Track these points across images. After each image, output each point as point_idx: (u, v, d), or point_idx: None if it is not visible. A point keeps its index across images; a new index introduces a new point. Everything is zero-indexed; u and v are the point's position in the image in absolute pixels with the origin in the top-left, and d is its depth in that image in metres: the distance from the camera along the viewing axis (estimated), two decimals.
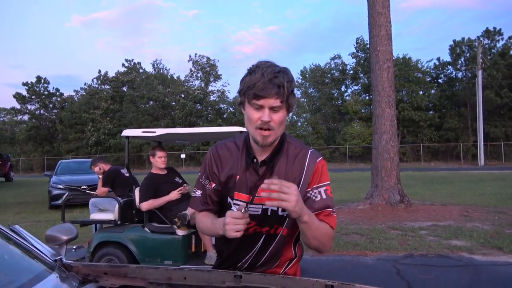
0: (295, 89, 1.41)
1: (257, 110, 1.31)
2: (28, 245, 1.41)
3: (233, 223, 1.24)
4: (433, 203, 9.25)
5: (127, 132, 4.53)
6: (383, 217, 7.71)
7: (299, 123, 38.57)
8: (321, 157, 1.45)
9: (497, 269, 4.64)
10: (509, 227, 6.61)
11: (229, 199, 1.46)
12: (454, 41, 34.93)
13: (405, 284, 4.15)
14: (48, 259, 1.39)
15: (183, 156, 29.79)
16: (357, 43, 37.65)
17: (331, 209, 1.40)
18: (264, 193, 1.20)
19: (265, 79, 1.27)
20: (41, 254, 1.41)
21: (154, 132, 4.36)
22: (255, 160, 1.42)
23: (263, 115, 1.30)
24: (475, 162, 29.14)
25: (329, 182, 1.45)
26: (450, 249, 5.45)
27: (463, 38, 34.37)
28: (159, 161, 4.29)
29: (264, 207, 1.40)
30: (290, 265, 1.53)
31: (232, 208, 1.32)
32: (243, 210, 1.26)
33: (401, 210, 8.19)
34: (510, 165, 27.09)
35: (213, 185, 1.48)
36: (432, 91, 34.73)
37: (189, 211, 3.99)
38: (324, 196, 1.40)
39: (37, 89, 42.78)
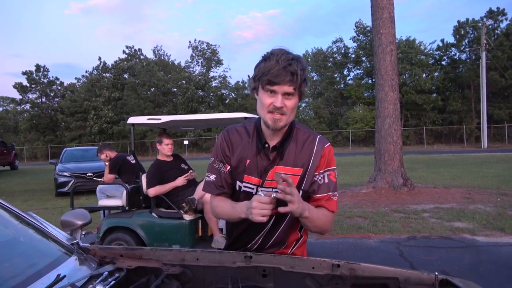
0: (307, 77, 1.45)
1: (270, 96, 1.36)
2: (47, 229, 1.47)
3: (260, 208, 1.28)
4: (436, 186, 9.31)
5: (132, 119, 4.57)
6: (386, 200, 7.78)
7: (301, 108, 38.43)
8: (329, 143, 1.51)
9: (499, 249, 4.71)
10: (511, 209, 6.68)
11: (238, 183, 1.51)
12: (458, 22, 34.48)
13: (408, 265, 4.23)
14: (66, 243, 1.45)
15: (186, 142, 29.91)
16: (356, 27, 37.33)
17: (331, 193, 1.46)
18: (281, 195, 1.27)
19: (280, 66, 1.31)
20: (58, 238, 1.47)
21: (160, 119, 4.40)
22: (266, 145, 1.47)
23: (275, 100, 1.34)
24: (478, 144, 29.11)
25: (335, 167, 1.51)
26: (452, 231, 5.53)
27: (467, 19, 33.90)
28: (166, 148, 4.34)
29: (274, 190, 1.45)
30: (297, 245, 1.59)
31: (258, 193, 1.35)
32: (272, 196, 1.29)
33: (404, 193, 8.26)
34: None
35: (228, 167, 1.52)
36: (436, 74, 34.44)
37: (197, 195, 4.06)
38: (328, 181, 1.47)
39: (37, 78, 42.70)
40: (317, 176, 1.46)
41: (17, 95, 43.32)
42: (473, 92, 32.44)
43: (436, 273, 1.24)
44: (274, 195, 1.29)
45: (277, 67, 1.31)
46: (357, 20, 37.41)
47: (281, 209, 1.29)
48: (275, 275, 1.35)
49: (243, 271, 1.36)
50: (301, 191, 1.46)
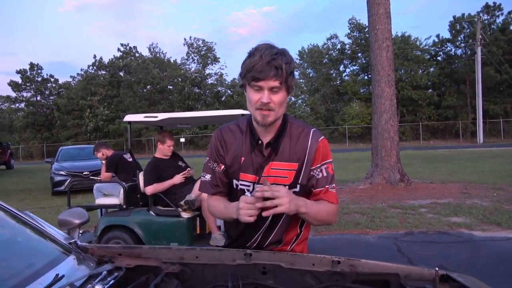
0: (295, 70, 1.42)
1: (257, 92, 1.35)
2: (44, 228, 1.45)
3: (247, 208, 1.28)
4: (432, 181, 9.35)
5: (129, 117, 4.54)
6: (383, 196, 7.81)
7: (297, 104, 38.48)
8: (323, 136, 1.49)
9: (496, 244, 4.74)
10: (508, 203, 6.71)
11: (234, 181, 1.50)
12: (453, 17, 34.54)
13: (406, 261, 4.25)
14: (64, 242, 1.44)
15: (182, 140, 29.80)
16: (350, 23, 37.35)
17: (328, 186, 1.46)
18: (259, 204, 1.27)
19: (263, 61, 1.29)
20: (56, 237, 1.45)
21: (156, 117, 4.37)
22: (260, 141, 1.45)
23: (262, 96, 1.33)
24: (474, 139, 29.24)
25: (331, 160, 1.50)
26: (449, 226, 5.55)
27: (463, 14, 33.96)
28: (168, 149, 4.34)
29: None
30: (296, 242, 1.57)
31: (246, 194, 1.35)
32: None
33: (401, 189, 8.29)
34: (509, 142, 27.19)
35: (222, 167, 1.51)
36: (431, 69, 34.52)
37: (195, 193, 4.04)
38: (326, 174, 1.46)
39: (31, 76, 42.42)
40: (315, 171, 1.45)
41: (12, 93, 43.08)
42: (468, 87, 32.54)
43: (437, 269, 1.24)
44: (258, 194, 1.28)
45: (260, 63, 1.29)
46: (350, 17, 37.42)
47: (265, 213, 1.28)
48: (275, 272, 1.34)
49: (243, 268, 1.35)
50: (298, 186, 1.45)
